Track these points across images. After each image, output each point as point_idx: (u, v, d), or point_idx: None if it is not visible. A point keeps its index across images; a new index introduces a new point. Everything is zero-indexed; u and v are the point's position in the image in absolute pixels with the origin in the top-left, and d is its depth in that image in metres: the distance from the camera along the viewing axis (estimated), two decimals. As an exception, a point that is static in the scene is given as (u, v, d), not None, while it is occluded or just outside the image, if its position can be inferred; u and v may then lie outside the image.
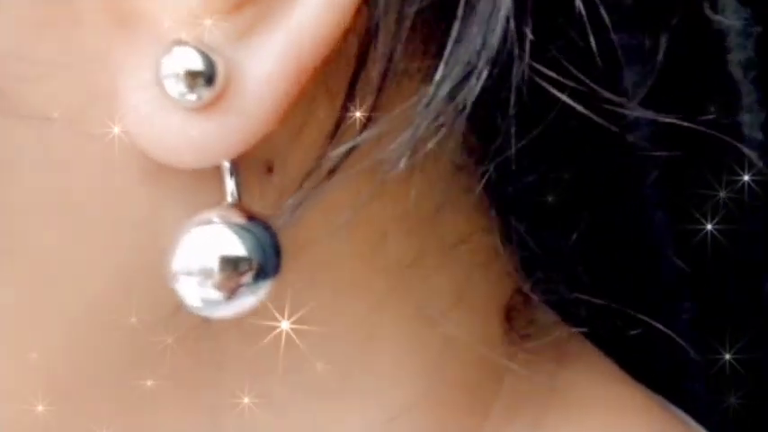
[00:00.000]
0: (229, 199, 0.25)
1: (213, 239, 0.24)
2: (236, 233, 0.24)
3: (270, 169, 0.26)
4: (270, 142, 0.25)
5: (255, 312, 0.25)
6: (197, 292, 0.24)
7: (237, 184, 0.25)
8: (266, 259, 0.24)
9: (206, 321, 0.25)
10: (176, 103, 0.24)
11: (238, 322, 0.25)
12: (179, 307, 0.24)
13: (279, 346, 0.26)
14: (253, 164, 0.25)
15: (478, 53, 0.24)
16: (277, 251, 0.24)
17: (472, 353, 0.29)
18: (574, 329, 0.31)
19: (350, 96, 0.25)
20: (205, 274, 0.24)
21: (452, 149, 0.27)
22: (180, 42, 0.23)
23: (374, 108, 0.25)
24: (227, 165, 0.25)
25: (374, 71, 0.25)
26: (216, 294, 0.24)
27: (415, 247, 0.28)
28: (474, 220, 0.29)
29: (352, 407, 0.28)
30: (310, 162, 0.25)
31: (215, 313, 0.24)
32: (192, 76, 0.23)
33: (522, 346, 0.30)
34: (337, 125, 0.25)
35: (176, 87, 0.24)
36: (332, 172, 0.25)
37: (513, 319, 0.30)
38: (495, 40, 0.24)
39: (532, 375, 0.30)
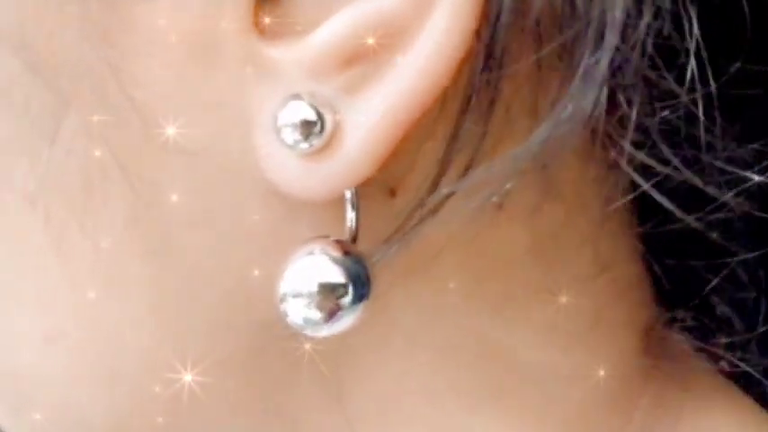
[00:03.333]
0: (348, 224, 0.28)
1: (316, 268, 0.27)
2: (336, 263, 0.27)
3: (393, 193, 0.29)
4: (393, 167, 0.28)
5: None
6: (301, 313, 0.27)
7: (358, 213, 0.28)
8: (362, 285, 0.27)
9: None
10: (291, 148, 0.27)
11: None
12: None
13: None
14: (376, 188, 0.29)
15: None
16: (369, 278, 0.27)
17: (611, 372, 0.32)
18: (708, 364, 0.33)
19: (455, 136, 0.28)
20: (309, 297, 0.27)
21: (595, 181, 0.30)
22: (296, 96, 0.27)
23: (476, 153, 0.28)
24: (348, 195, 0.28)
25: (481, 103, 0.27)
26: (317, 315, 0.27)
27: (563, 273, 0.31)
28: (622, 247, 0.32)
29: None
30: (429, 186, 0.28)
31: (315, 332, 0.27)
32: (304, 126, 0.27)
33: (659, 367, 0.32)
34: (446, 158, 0.28)
35: (291, 136, 0.27)
36: (441, 202, 0.28)
37: (650, 341, 0.32)
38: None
39: (666, 397, 0.32)
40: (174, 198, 0.29)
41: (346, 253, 0.27)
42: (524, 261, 0.30)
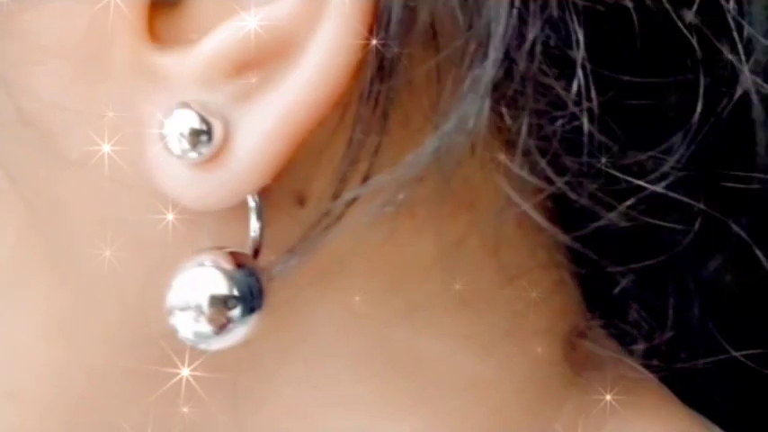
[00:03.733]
0: (252, 234, 0.28)
1: (205, 280, 0.27)
2: (225, 275, 0.27)
3: (302, 202, 0.28)
4: (301, 175, 0.28)
5: None
6: (190, 327, 0.27)
7: (263, 222, 0.28)
8: (252, 298, 0.27)
9: None
10: (179, 158, 0.27)
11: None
12: None
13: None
14: (284, 196, 0.28)
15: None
16: (261, 291, 0.27)
17: (529, 380, 0.32)
18: (632, 364, 0.33)
19: (352, 141, 0.27)
20: (197, 310, 0.27)
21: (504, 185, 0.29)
22: (184, 104, 0.27)
23: (378, 150, 0.27)
24: (252, 203, 0.28)
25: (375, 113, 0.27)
26: (207, 328, 0.27)
27: (471, 281, 0.30)
28: (535, 255, 0.31)
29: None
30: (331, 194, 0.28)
31: (207, 345, 0.27)
32: (192, 135, 0.27)
33: (581, 374, 0.32)
34: (345, 166, 0.27)
35: (179, 145, 0.27)
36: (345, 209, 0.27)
37: (574, 348, 0.32)
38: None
39: (590, 404, 0.32)
40: (69, 211, 0.28)
41: (239, 265, 0.27)
42: (432, 270, 0.30)
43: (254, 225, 0.28)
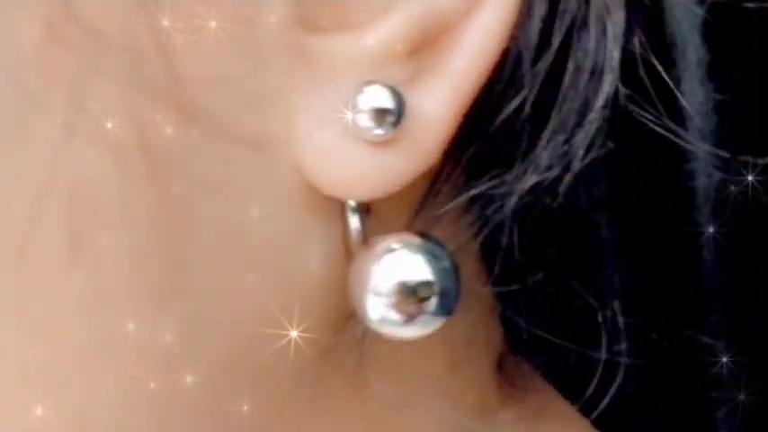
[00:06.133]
0: (353, 235, 0.27)
1: (401, 265, 0.26)
2: (426, 261, 0.26)
3: (368, 210, 0.28)
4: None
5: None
6: (382, 312, 0.26)
7: (363, 220, 0.27)
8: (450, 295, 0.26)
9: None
10: (361, 138, 0.26)
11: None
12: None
13: None
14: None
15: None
16: (457, 280, 0.26)
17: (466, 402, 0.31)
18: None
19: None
20: (391, 296, 0.26)
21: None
22: (371, 82, 0.26)
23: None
24: (351, 203, 0.27)
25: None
26: (396, 317, 0.26)
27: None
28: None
29: None
30: (405, 208, 0.28)
31: (395, 333, 0.26)
32: (382, 113, 0.26)
33: (510, 395, 0.32)
34: (434, 180, 0.27)
35: (367, 123, 0.26)
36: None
37: (504, 369, 0.32)
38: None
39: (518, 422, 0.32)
40: (209, 205, 0.26)
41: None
42: None
43: (356, 223, 0.27)
